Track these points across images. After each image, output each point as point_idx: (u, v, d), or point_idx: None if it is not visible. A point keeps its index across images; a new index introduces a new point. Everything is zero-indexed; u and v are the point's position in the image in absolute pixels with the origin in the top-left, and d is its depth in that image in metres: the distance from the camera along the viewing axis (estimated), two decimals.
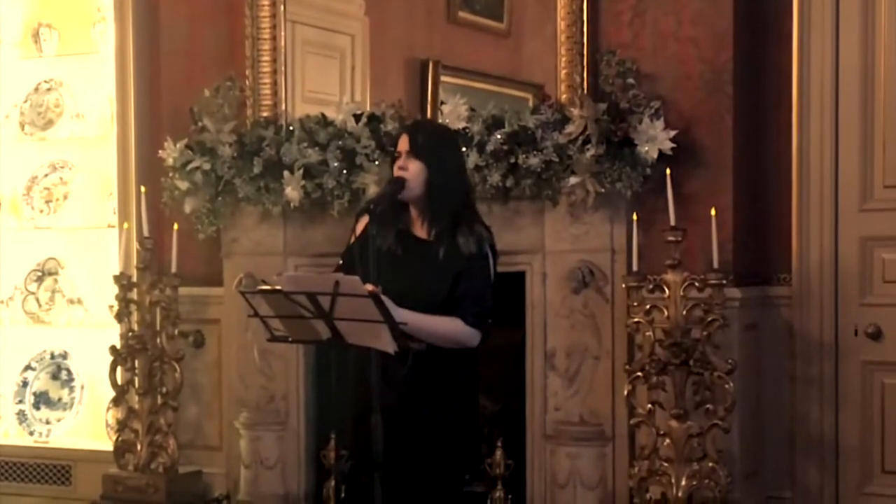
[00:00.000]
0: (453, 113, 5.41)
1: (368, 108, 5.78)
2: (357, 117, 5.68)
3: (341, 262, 4.02)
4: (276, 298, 3.70)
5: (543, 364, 5.41)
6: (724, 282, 4.98)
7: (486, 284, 3.92)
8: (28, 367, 6.88)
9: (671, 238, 4.99)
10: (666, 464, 5.02)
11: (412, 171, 3.92)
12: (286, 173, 5.68)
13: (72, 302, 6.87)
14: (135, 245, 6.14)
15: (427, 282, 3.87)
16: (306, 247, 5.85)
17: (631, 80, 5.25)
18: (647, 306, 5.04)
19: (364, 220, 3.96)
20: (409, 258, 3.93)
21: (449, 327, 3.84)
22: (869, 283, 5.31)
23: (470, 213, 4.01)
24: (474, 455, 4.35)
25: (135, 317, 6.06)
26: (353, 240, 4.03)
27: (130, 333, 6.06)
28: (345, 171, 5.61)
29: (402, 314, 3.65)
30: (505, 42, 6.08)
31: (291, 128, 5.82)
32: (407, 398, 3.83)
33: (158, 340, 6.01)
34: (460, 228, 3.92)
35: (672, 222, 4.98)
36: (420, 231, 3.98)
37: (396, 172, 3.94)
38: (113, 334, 6.23)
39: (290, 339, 3.87)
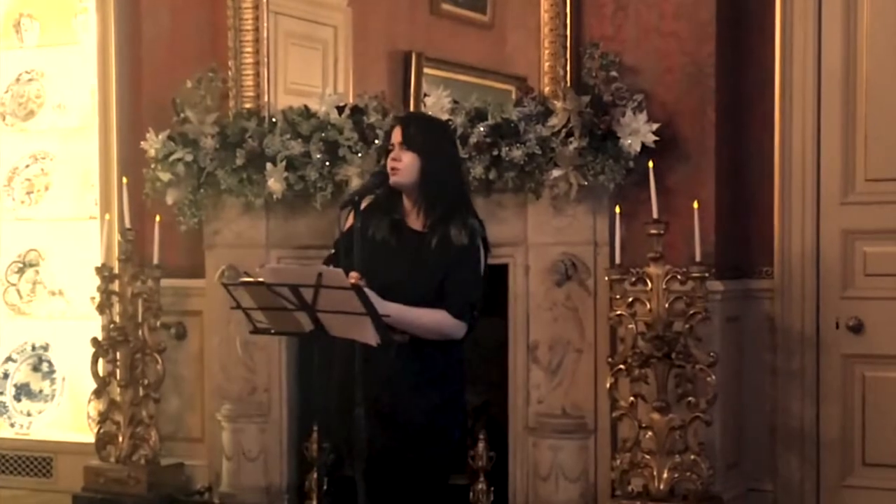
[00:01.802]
0: (436, 105, 5.41)
1: (351, 100, 5.77)
2: (340, 109, 5.67)
3: (333, 251, 4.01)
4: (258, 290, 3.69)
5: (526, 357, 5.42)
6: (707, 275, 5.00)
7: (474, 277, 3.92)
8: (9, 359, 6.86)
9: (654, 231, 5.00)
10: (648, 456, 5.04)
11: (405, 162, 3.91)
12: (269, 165, 5.67)
13: (53, 293, 6.86)
14: (116, 236, 6.12)
15: (419, 272, 3.87)
16: (289, 239, 5.84)
17: (614, 73, 5.26)
18: (630, 299, 5.05)
19: (347, 212, 3.95)
20: (403, 249, 3.92)
21: (434, 318, 3.84)
22: (850, 276, 5.33)
23: (464, 205, 4.01)
24: (459, 449, 4.35)
25: (116, 308, 6.05)
26: (344, 228, 4.01)
27: (112, 325, 6.05)
28: (327, 163, 5.60)
29: (385, 306, 3.64)
30: (488, 34, 6.08)
31: (274, 119, 5.81)
32: (390, 391, 3.83)
33: (140, 332, 6.00)
34: (453, 220, 3.92)
35: (654, 215, 4.99)
36: (414, 222, 3.97)
37: (390, 164, 3.94)
38: (94, 326, 6.21)
39: (272, 332, 3.86)
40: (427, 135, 4.00)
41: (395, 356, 3.74)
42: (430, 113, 5.34)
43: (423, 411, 3.88)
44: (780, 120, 5.36)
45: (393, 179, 3.92)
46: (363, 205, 3.85)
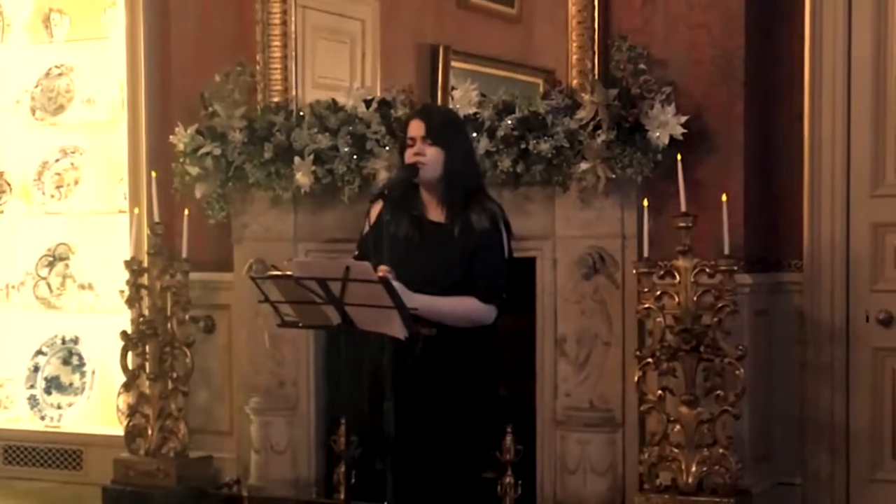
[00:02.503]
0: (464, 98, 5.41)
1: (379, 94, 5.77)
2: (367, 103, 5.67)
3: (357, 252, 4.01)
4: (286, 284, 3.71)
5: (554, 350, 5.41)
6: (735, 268, 4.98)
7: (499, 260, 3.93)
8: (39, 352, 6.89)
9: (682, 224, 4.98)
10: (676, 450, 5.03)
11: (430, 156, 3.92)
12: (297, 159, 5.68)
13: (83, 287, 6.88)
14: (145, 230, 6.14)
15: (445, 262, 3.87)
16: (317, 232, 5.85)
17: (642, 66, 5.24)
18: (658, 292, 5.03)
19: (377, 206, 3.96)
20: (426, 243, 3.93)
21: (463, 306, 3.84)
22: (880, 269, 5.30)
23: (480, 191, 4.02)
24: (488, 442, 4.35)
25: (145, 302, 6.07)
26: (367, 227, 4.02)
27: (141, 318, 6.07)
28: (355, 157, 5.61)
29: (413, 298, 3.65)
30: (516, 27, 6.06)
31: (302, 113, 5.82)
32: (418, 384, 3.83)
33: (169, 325, 6.02)
34: (472, 206, 3.93)
35: (683, 208, 4.97)
36: (435, 214, 3.98)
37: (412, 159, 3.94)
38: (124, 319, 6.24)
39: (300, 325, 3.88)
40: (449, 128, 4.01)
41: (421, 349, 3.73)
42: (455, 107, 5.35)
43: (452, 404, 3.88)
44: (809, 112, 5.33)
45: (416, 180, 3.93)
46: (378, 206, 3.87)
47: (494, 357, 4.02)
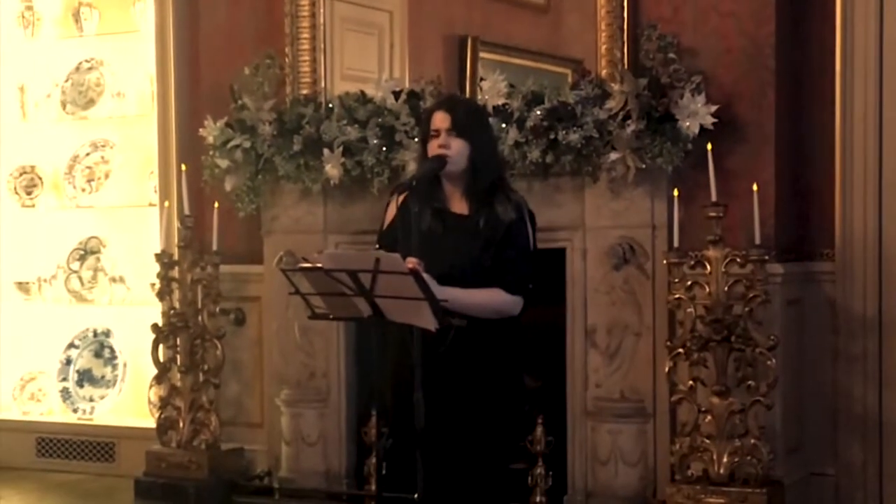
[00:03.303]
0: (493, 89, 5.40)
1: (407, 85, 5.77)
2: (396, 94, 5.67)
3: (378, 245, 4.00)
4: (316, 276, 3.71)
5: (584, 341, 5.40)
6: (766, 257, 4.96)
7: (525, 250, 3.92)
8: (71, 346, 6.93)
9: (712, 214, 4.96)
10: (707, 440, 5.01)
11: (455, 148, 3.91)
12: (326, 151, 5.69)
13: (114, 280, 6.91)
14: (176, 223, 6.17)
15: (469, 254, 3.87)
16: (346, 224, 5.85)
17: (672, 55, 5.22)
18: (689, 282, 5.02)
19: (397, 199, 3.96)
20: (451, 234, 3.92)
21: (491, 297, 3.84)
22: None
23: (504, 183, 4.02)
24: (517, 432, 4.35)
25: (176, 295, 6.10)
26: (387, 220, 4.02)
27: (172, 311, 6.09)
28: (384, 149, 5.61)
29: (443, 291, 3.64)
30: (544, 17, 6.05)
31: (331, 105, 5.82)
32: (448, 375, 3.82)
33: (200, 318, 6.04)
34: (497, 197, 3.92)
35: (713, 198, 4.95)
36: (458, 206, 3.97)
37: (436, 151, 3.93)
38: (155, 312, 6.26)
39: (330, 317, 3.88)
40: (474, 121, 4.00)
41: (452, 340, 3.73)
42: (484, 98, 5.35)
43: (481, 395, 3.88)
44: (840, 100, 5.29)
45: (442, 173, 3.92)
46: (400, 198, 3.87)
47: (519, 348, 4.02)
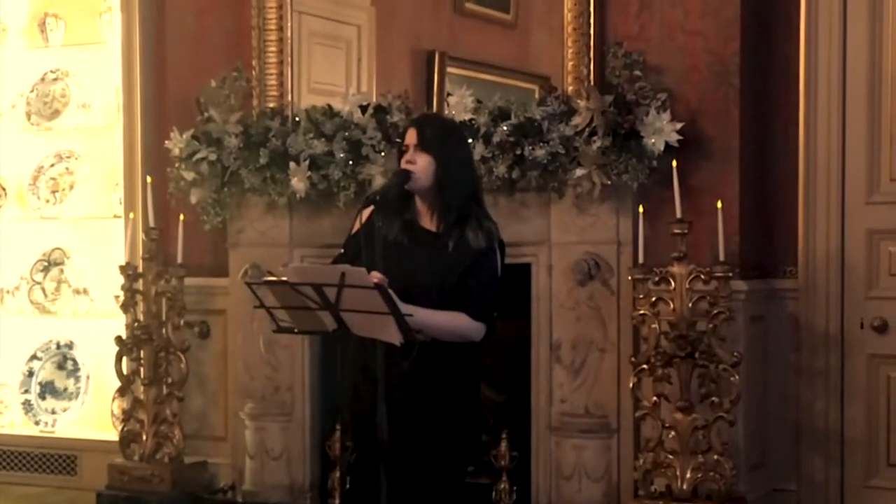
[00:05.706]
0: (459, 104, 5.41)
1: (375, 99, 5.77)
2: (363, 108, 5.67)
3: (343, 251, 4.01)
4: (281, 289, 3.70)
5: (549, 356, 5.41)
6: (730, 274, 4.98)
7: (492, 279, 3.92)
8: (34, 357, 6.88)
9: (677, 230, 4.99)
10: (671, 456, 5.03)
11: (420, 164, 3.91)
12: (292, 164, 5.68)
13: (78, 292, 6.88)
14: (141, 235, 6.14)
15: (435, 273, 3.87)
16: (312, 238, 5.85)
17: (638, 72, 5.25)
18: (653, 298, 5.04)
19: (367, 210, 3.96)
20: (416, 248, 3.92)
21: (454, 321, 3.84)
22: (875, 276, 5.31)
23: (478, 207, 4.01)
24: (476, 446, 4.35)
25: (140, 307, 6.07)
26: (355, 228, 4.02)
27: (136, 324, 6.07)
28: (351, 163, 5.61)
29: (406, 307, 3.64)
30: (512, 33, 6.07)
31: (298, 119, 5.82)
32: (410, 390, 3.82)
33: (164, 331, 6.02)
34: (469, 222, 3.92)
35: (678, 214, 4.97)
36: (427, 223, 3.97)
37: (404, 166, 3.94)
38: (119, 324, 6.23)
39: (295, 330, 3.87)
40: (442, 137, 4.00)
41: (415, 355, 3.73)
42: (451, 113, 5.35)
43: (441, 410, 3.88)
44: (804, 119, 5.33)
45: (408, 187, 3.92)
46: (367, 211, 3.87)
47: (478, 365, 4.03)
